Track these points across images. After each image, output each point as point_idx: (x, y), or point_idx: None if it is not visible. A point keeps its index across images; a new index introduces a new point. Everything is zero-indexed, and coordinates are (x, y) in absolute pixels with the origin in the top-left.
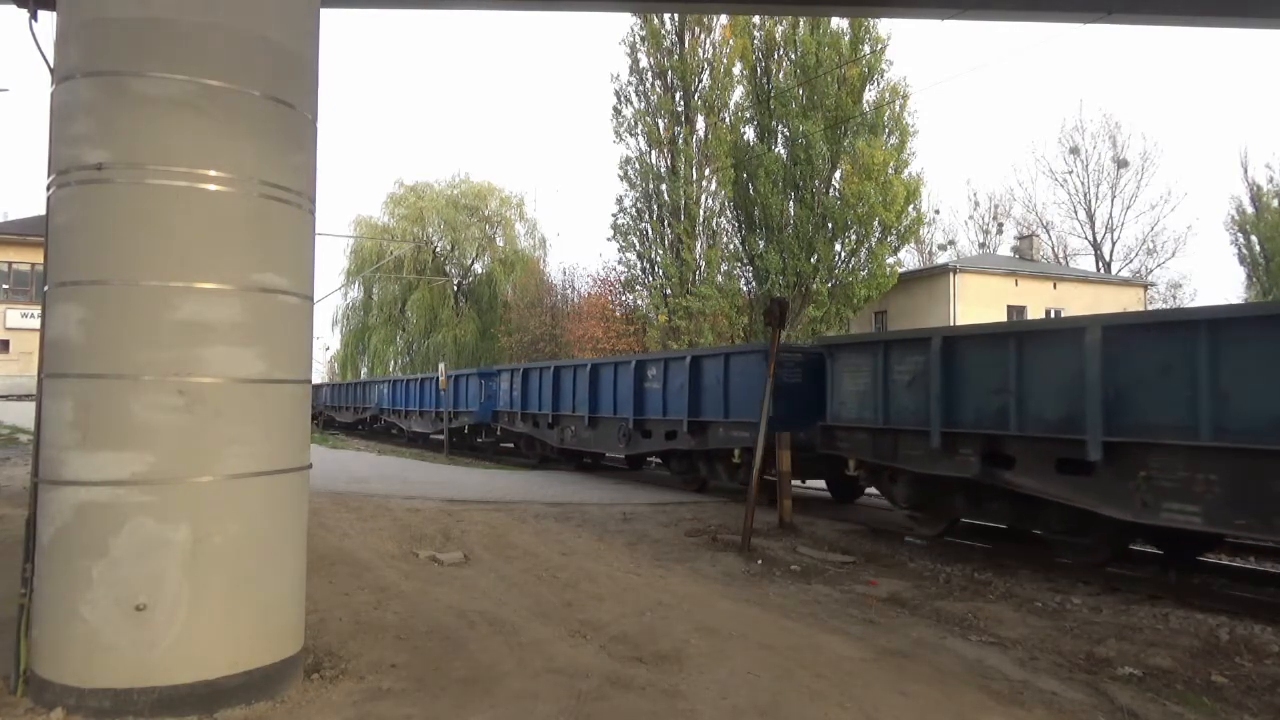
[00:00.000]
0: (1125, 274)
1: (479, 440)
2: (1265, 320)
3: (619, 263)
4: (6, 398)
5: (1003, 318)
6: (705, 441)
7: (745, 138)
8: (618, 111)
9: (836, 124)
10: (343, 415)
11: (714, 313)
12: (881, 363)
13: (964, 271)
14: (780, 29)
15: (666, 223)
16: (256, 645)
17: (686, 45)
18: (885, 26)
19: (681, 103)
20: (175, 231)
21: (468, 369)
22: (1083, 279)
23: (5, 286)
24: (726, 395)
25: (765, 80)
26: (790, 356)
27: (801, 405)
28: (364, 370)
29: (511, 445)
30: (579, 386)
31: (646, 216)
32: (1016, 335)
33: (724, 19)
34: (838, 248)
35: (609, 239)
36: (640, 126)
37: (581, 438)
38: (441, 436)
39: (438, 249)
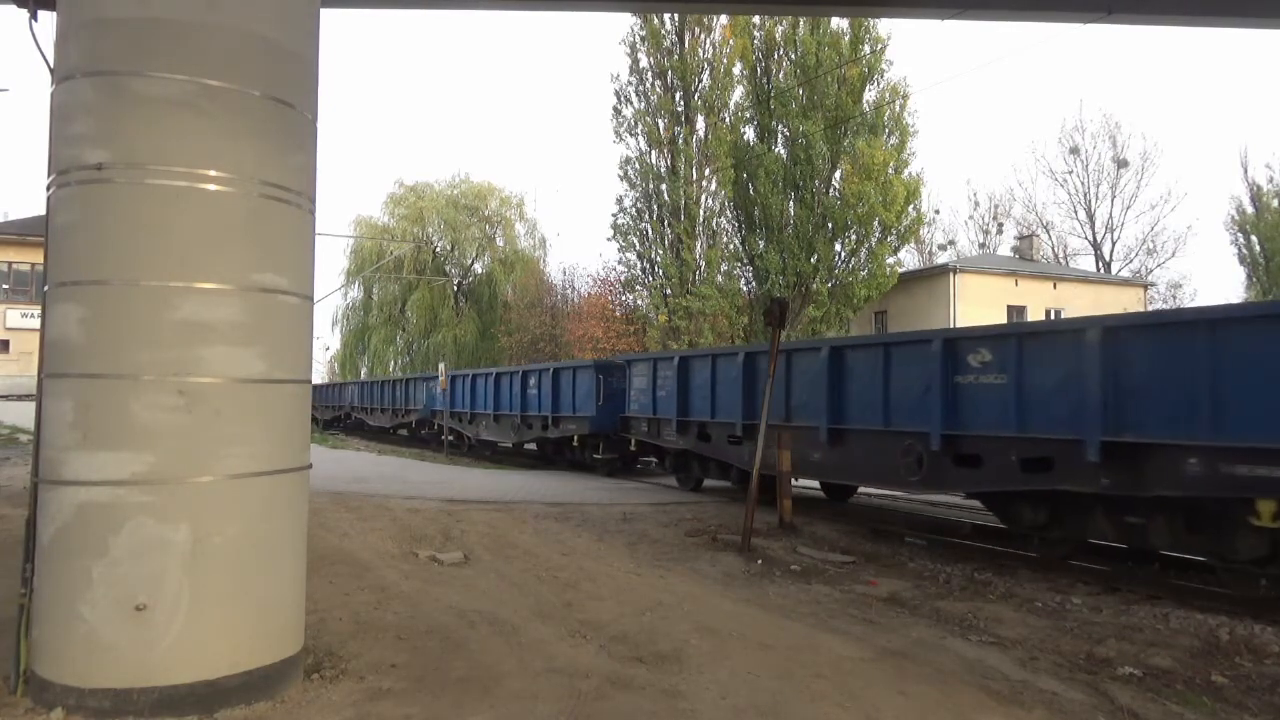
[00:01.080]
0: (1125, 274)
1: (595, 457)
2: None
3: (619, 263)
4: (6, 398)
5: (1003, 318)
6: (1139, 481)
7: (745, 138)
8: (618, 111)
9: (836, 124)
10: (376, 418)
11: (714, 313)
12: None
13: (964, 271)
14: (780, 29)
15: (666, 223)
16: (256, 645)
17: (686, 45)
18: (885, 26)
19: (681, 103)
20: (175, 231)
21: (576, 361)
22: (1083, 279)
23: (5, 286)
24: (1217, 397)
25: (765, 80)
26: None
27: None
28: (364, 370)
29: (602, 459)
30: (802, 382)
31: (646, 216)
32: None
33: (724, 19)
34: (838, 248)
35: (609, 239)
36: (640, 126)
37: (811, 461)
38: (529, 448)
39: (438, 249)
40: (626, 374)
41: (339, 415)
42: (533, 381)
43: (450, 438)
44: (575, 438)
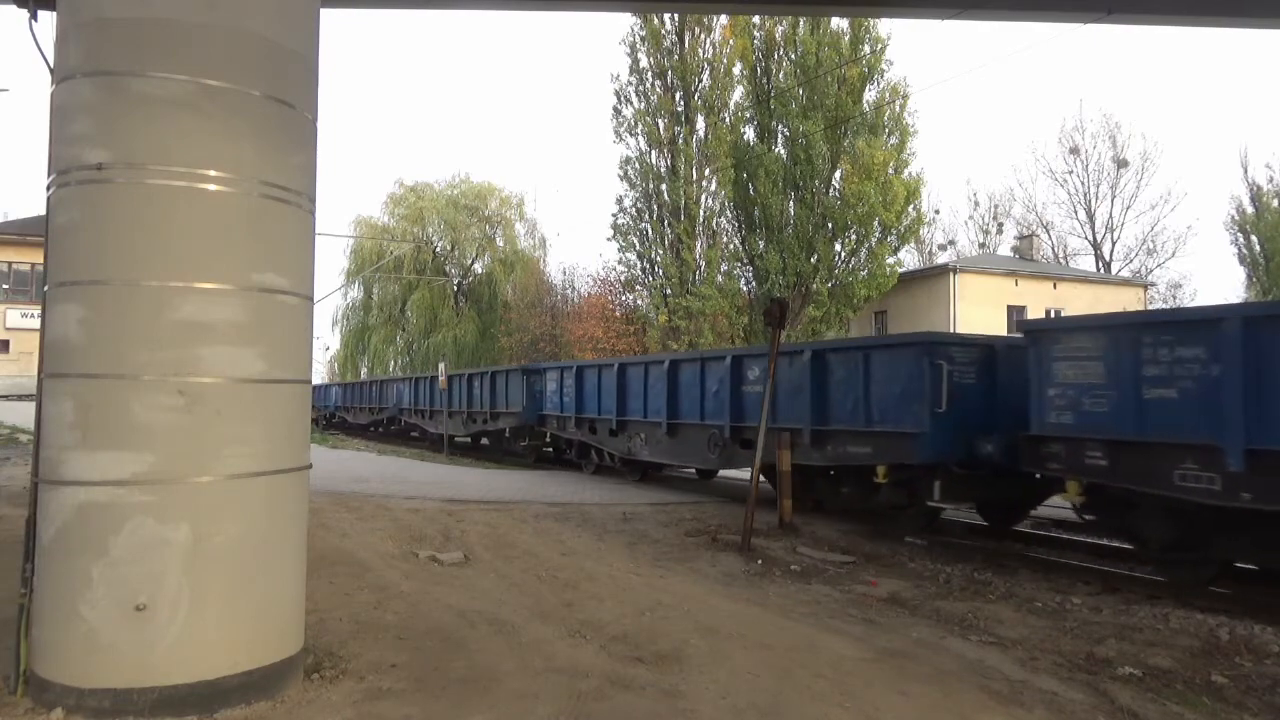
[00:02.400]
0: (1125, 274)
1: (932, 503)
2: None
3: (619, 263)
4: (6, 398)
5: (1003, 318)
6: None
7: (745, 138)
8: (618, 111)
9: (836, 124)
10: (439, 424)
11: (714, 313)
12: None
13: (964, 271)
14: (780, 29)
15: (666, 223)
16: (256, 645)
17: (686, 45)
18: (885, 26)
19: (681, 103)
20: (175, 231)
21: (875, 338)
22: (1083, 279)
23: (5, 286)
24: None
25: (765, 80)
26: None
27: None
28: (364, 370)
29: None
30: None
31: (646, 216)
32: None
33: (724, 19)
34: (838, 248)
35: (609, 239)
36: (640, 126)
37: None
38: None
39: (438, 249)
40: (1035, 357)
41: (379, 419)
42: (754, 374)
43: (580, 455)
44: (879, 469)
